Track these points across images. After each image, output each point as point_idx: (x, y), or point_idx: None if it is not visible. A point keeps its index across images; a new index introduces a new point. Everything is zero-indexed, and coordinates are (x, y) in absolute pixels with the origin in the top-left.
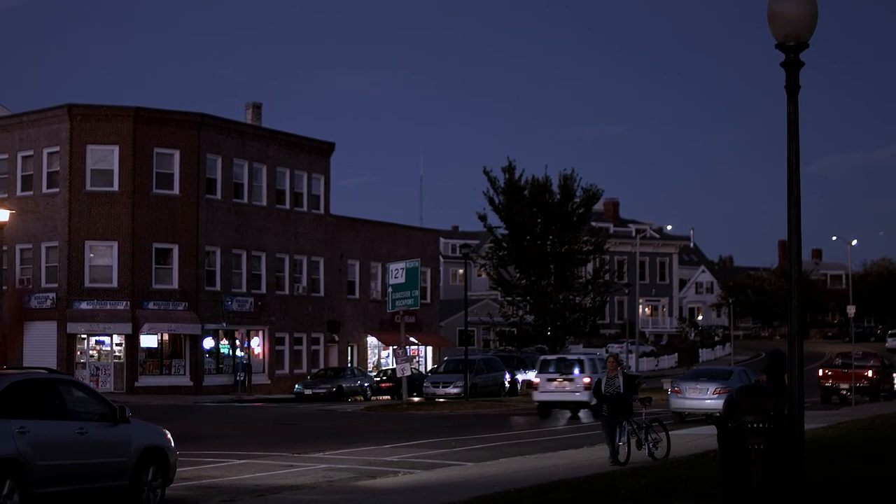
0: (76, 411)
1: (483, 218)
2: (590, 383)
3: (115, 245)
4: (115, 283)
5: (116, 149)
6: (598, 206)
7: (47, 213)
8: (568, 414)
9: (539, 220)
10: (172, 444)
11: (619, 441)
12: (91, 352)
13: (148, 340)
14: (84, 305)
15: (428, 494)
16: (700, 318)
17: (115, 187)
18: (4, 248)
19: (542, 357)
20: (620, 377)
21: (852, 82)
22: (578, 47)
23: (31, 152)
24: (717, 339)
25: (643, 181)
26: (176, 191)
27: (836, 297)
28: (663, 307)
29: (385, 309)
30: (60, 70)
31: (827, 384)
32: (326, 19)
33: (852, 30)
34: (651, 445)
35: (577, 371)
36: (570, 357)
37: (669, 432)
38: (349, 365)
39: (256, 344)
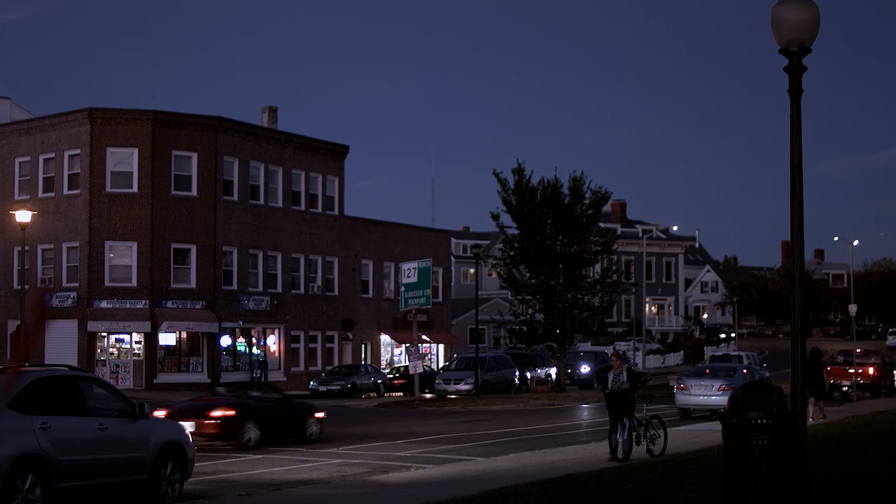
0: (96, 408)
1: (496, 217)
2: (746, 374)
3: (135, 245)
4: (134, 283)
5: (136, 151)
6: (606, 208)
7: (68, 214)
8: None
9: (549, 221)
10: (190, 439)
11: (620, 438)
12: (111, 349)
13: (166, 338)
14: (104, 304)
15: (440, 488)
16: (705, 316)
17: (135, 189)
18: (26, 248)
19: (712, 353)
20: (625, 373)
21: (854, 86)
22: (587, 52)
23: (52, 155)
24: (722, 336)
25: (650, 183)
26: (194, 192)
27: (838, 296)
28: (669, 306)
29: (398, 308)
30: (80, 74)
31: (829, 381)
32: (340, 25)
33: (854, 34)
34: (649, 442)
35: (738, 363)
36: (733, 353)
37: (668, 429)
38: (363, 362)
39: (272, 342)
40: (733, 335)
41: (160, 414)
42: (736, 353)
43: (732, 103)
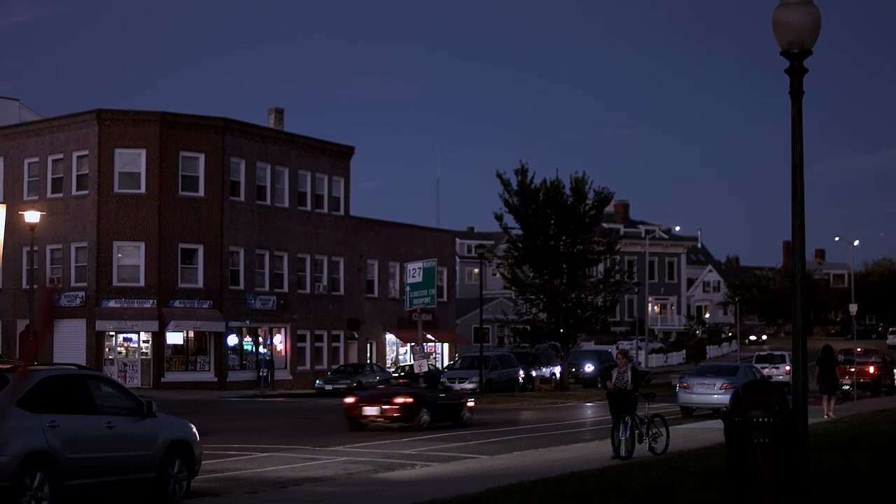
0: (104, 406)
1: (499, 218)
2: (790, 371)
3: (143, 245)
4: (142, 283)
5: (143, 152)
6: (609, 208)
7: (77, 215)
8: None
9: (552, 222)
10: (197, 437)
11: (623, 436)
12: (119, 348)
13: (174, 337)
14: (112, 304)
15: (444, 486)
16: (707, 315)
17: (143, 189)
18: (35, 248)
19: (757, 353)
20: (629, 372)
21: (855, 87)
22: (590, 54)
23: (60, 156)
24: (723, 336)
25: (652, 183)
26: (201, 193)
27: (839, 295)
28: (672, 305)
29: (403, 307)
30: (88, 76)
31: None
32: (346, 29)
33: (854, 36)
34: (651, 440)
35: (784, 361)
36: (776, 353)
37: (670, 427)
38: (368, 361)
39: (279, 341)
40: (723, 335)
41: (349, 401)
42: (779, 353)
43: (735, 104)
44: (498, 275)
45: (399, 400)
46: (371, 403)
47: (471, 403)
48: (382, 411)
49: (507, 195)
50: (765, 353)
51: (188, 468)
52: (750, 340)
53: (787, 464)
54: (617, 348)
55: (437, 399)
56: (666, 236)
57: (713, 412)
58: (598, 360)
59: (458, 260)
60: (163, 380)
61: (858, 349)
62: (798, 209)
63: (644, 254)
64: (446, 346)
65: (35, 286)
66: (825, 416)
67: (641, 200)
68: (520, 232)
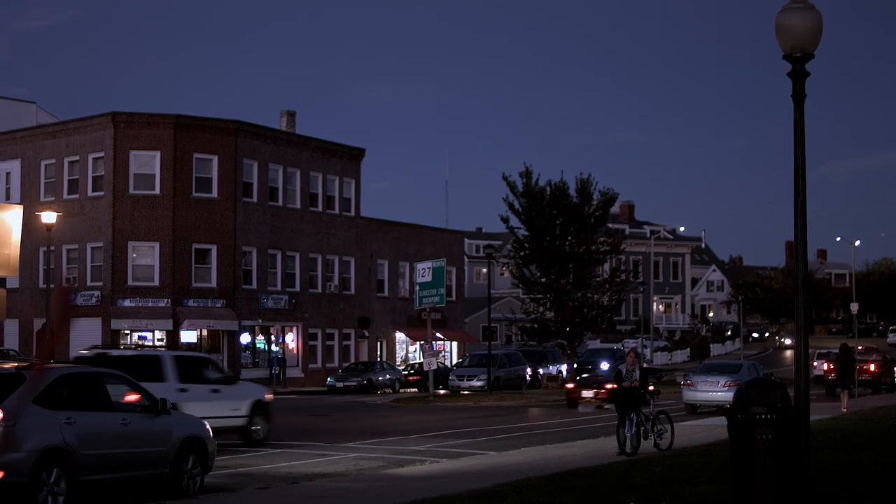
0: (120, 403)
1: (505, 220)
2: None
3: (157, 245)
4: (156, 282)
5: (158, 154)
6: (615, 209)
7: (92, 216)
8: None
9: (558, 223)
10: (211, 434)
11: (628, 432)
12: (134, 347)
13: (188, 336)
14: (127, 303)
15: (453, 482)
16: (711, 314)
17: (157, 191)
18: (52, 248)
19: (819, 350)
20: (637, 371)
21: (856, 90)
22: (595, 55)
23: (76, 157)
24: (725, 334)
25: (657, 184)
26: (214, 194)
27: (840, 294)
28: (676, 304)
29: (413, 306)
30: (103, 79)
31: (831, 377)
32: (356, 33)
33: (855, 38)
34: (656, 437)
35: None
36: (833, 351)
37: (675, 423)
38: (378, 359)
39: (291, 339)
40: (727, 333)
41: (570, 386)
42: (835, 351)
43: (739, 105)
44: (506, 274)
45: (608, 386)
46: (587, 388)
47: (651, 388)
48: (596, 394)
49: (511, 198)
50: (824, 351)
51: (202, 464)
52: (786, 345)
53: (790, 460)
54: (622, 346)
55: None
56: (671, 236)
57: (717, 409)
58: (612, 357)
59: (466, 260)
60: None
61: (860, 347)
62: (800, 210)
63: (649, 254)
64: (455, 344)
65: (51, 285)
66: (843, 410)
67: (646, 201)
68: (526, 233)
